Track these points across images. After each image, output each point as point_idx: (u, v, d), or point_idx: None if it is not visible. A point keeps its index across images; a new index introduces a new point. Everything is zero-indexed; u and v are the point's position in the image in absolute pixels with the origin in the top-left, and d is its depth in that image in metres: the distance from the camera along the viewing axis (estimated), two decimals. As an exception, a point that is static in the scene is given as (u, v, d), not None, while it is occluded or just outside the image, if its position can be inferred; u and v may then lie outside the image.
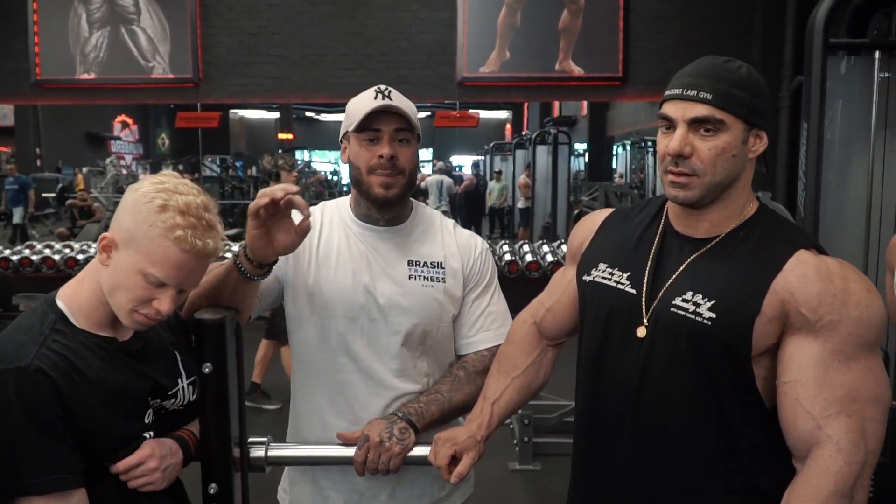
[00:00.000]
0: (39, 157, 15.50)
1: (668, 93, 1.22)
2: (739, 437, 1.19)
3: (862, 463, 1.10)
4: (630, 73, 7.26)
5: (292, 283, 1.52)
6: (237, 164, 17.26)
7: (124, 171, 15.45)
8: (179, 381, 1.33)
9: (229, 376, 1.29)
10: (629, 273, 1.29)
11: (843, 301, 1.12)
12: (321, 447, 1.50)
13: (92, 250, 6.79)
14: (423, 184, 11.90)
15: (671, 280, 1.24)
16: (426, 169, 17.42)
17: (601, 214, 1.45)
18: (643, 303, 1.25)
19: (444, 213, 1.79)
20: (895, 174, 3.12)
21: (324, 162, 23.35)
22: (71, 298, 1.25)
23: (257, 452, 1.39)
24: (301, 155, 20.68)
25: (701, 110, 1.17)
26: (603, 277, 1.32)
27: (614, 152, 17.29)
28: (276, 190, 1.25)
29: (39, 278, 6.72)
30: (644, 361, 1.24)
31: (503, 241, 7.62)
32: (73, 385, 1.16)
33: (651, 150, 12.48)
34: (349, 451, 1.41)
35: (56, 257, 6.77)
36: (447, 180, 12.63)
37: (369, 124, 1.46)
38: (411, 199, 1.60)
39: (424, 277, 1.52)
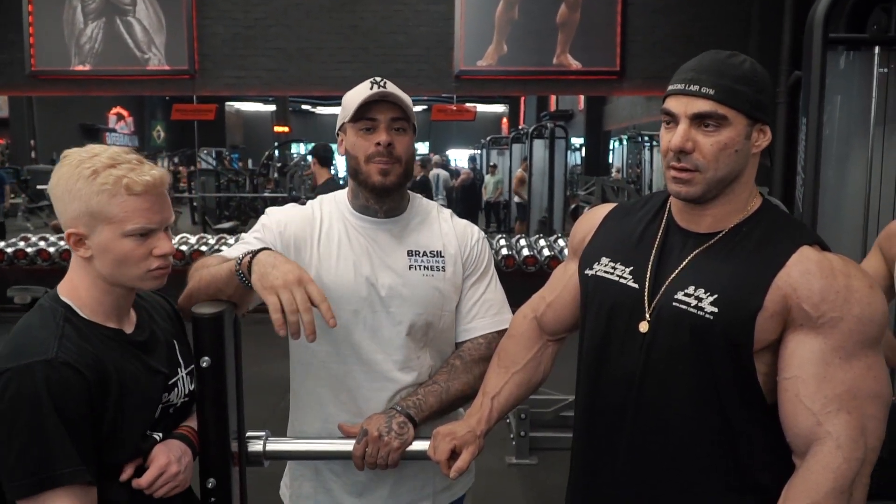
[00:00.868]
0: (34, 148, 15.45)
1: (670, 88, 1.21)
2: (740, 433, 1.19)
3: (861, 460, 1.09)
4: (628, 68, 7.27)
5: None
6: (233, 156, 17.23)
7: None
8: (179, 370, 1.33)
9: (227, 370, 1.28)
10: (632, 267, 1.29)
11: (845, 298, 1.11)
12: (320, 441, 1.50)
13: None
14: (419, 176, 11.89)
15: (674, 275, 1.23)
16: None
17: (604, 209, 1.44)
18: (645, 297, 1.25)
19: (441, 206, 1.78)
20: (894, 170, 3.12)
21: (320, 155, 23.27)
22: (72, 293, 1.24)
23: (256, 447, 1.38)
24: (297, 148, 20.64)
25: (703, 106, 1.16)
26: (605, 272, 1.32)
27: (611, 147, 17.30)
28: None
29: (34, 271, 6.70)
30: (646, 356, 1.23)
31: (500, 236, 7.62)
32: (97, 377, 1.16)
33: (648, 144, 12.48)
34: (348, 446, 1.41)
35: (51, 250, 6.75)
36: (444, 174, 12.63)
37: (365, 114, 1.47)
38: (408, 191, 1.60)
39: (424, 267, 1.53)
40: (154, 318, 1.35)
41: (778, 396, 1.16)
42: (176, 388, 1.31)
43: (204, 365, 1.27)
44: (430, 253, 1.54)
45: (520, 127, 16.55)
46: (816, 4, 2.95)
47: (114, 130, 18.87)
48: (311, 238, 1.51)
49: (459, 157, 22.09)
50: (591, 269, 1.34)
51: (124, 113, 19.53)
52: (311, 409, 1.55)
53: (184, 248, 6.87)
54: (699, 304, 1.18)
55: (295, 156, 18.21)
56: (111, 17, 7.28)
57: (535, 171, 10.34)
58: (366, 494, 1.54)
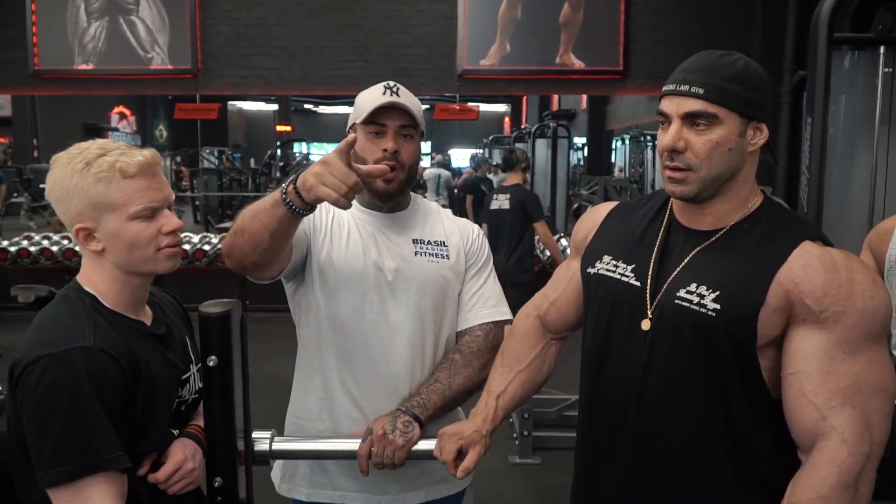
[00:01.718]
0: (37, 147, 15.45)
1: (664, 88, 1.23)
2: (744, 429, 1.19)
3: (866, 454, 1.09)
4: (631, 67, 7.26)
5: (310, 252, 1.56)
6: (235, 155, 17.23)
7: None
8: (191, 366, 1.34)
9: (234, 369, 1.28)
10: (633, 265, 1.29)
11: (848, 292, 1.11)
12: (326, 441, 1.50)
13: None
14: (421, 179, 11.89)
15: (675, 272, 1.24)
16: (424, 162, 17.41)
17: (605, 207, 1.45)
18: (647, 295, 1.25)
19: (443, 206, 1.83)
20: (898, 169, 3.12)
21: (322, 154, 23.30)
22: (93, 284, 1.25)
23: (262, 446, 1.39)
24: (299, 147, 20.64)
25: (694, 105, 1.17)
26: (607, 270, 1.32)
27: (613, 146, 17.28)
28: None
29: (37, 269, 6.71)
30: (648, 354, 1.23)
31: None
32: (130, 366, 1.17)
33: (650, 144, 12.48)
34: (353, 445, 1.41)
35: (54, 248, 6.75)
36: (445, 173, 12.61)
37: (376, 119, 1.52)
38: (410, 191, 1.65)
39: (430, 254, 1.59)
40: (167, 314, 1.36)
41: (782, 392, 1.16)
42: (188, 384, 1.32)
43: (211, 364, 1.27)
44: (435, 242, 1.61)
45: (522, 126, 16.53)
46: (821, 4, 2.94)
47: (116, 129, 18.87)
48: (324, 221, 1.57)
49: (462, 158, 22.06)
50: (593, 267, 1.35)
51: (127, 112, 19.53)
52: (314, 392, 1.57)
53: (186, 247, 6.87)
54: (701, 302, 1.18)
55: (297, 155, 18.22)
56: (114, 16, 7.28)
57: (538, 170, 10.33)
58: (360, 478, 1.53)
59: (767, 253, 1.17)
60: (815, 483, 1.09)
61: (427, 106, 16.76)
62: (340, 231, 1.57)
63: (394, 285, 1.54)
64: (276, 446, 1.40)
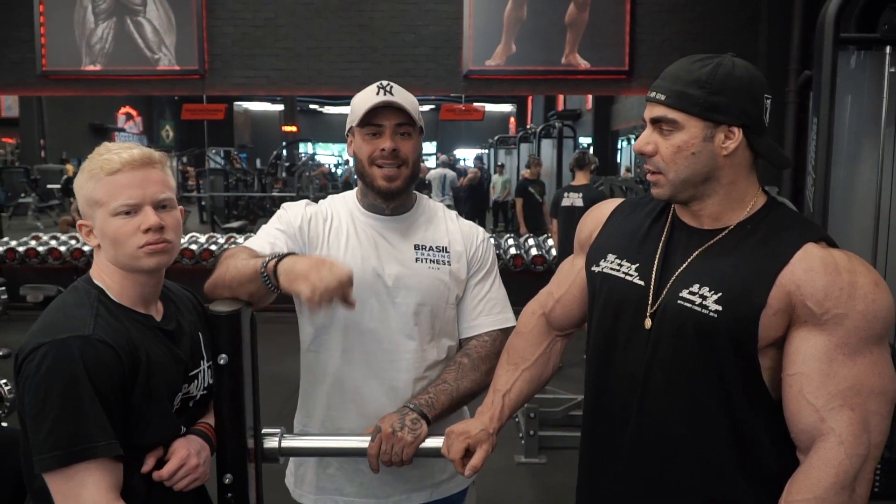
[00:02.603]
0: (44, 148, 15.51)
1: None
2: (745, 426, 1.20)
3: (864, 456, 1.10)
4: (636, 67, 7.25)
5: None
6: (241, 156, 17.26)
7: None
8: (202, 362, 1.36)
9: (244, 367, 1.30)
10: (637, 265, 1.30)
11: (849, 294, 1.12)
12: (334, 438, 1.52)
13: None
14: (426, 178, 11.89)
15: (678, 272, 1.25)
16: (429, 162, 17.40)
17: (610, 205, 1.46)
18: (651, 295, 1.26)
19: (448, 206, 1.83)
20: (904, 170, 3.11)
21: (327, 154, 23.34)
22: (102, 278, 1.27)
23: (271, 443, 1.40)
24: (305, 147, 20.67)
25: (656, 111, 1.21)
26: (612, 269, 1.33)
27: (619, 146, 17.24)
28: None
29: (45, 269, 6.74)
30: (651, 353, 1.25)
31: (508, 235, 7.62)
32: (129, 356, 1.19)
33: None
34: (362, 443, 1.42)
35: (62, 248, 6.79)
36: (450, 174, 12.59)
37: (371, 119, 1.52)
38: (415, 191, 1.65)
39: (430, 260, 1.58)
40: (181, 310, 1.38)
41: (782, 392, 1.17)
42: (197, 380, 1.33)
43: (221, 362, 1.29)
44: (436, 248, 1.59)
45: (527, 126, 16.51)
46: (827, 4, 2.94)
47: (123, 130, 18.93)
48: (322, 233, 1.56)
49: (467, 157, 22.05)
50: (598, 265, 1.36)
51: (133, 112, 19.59)
52: (319, 398, 1.58)
53: (193, 247, 6.91)
54: (704, 303, 1.19)
55: (303, 155, 18.24)
56: (122, 17, 7.31)
57: (543, 171, 10.32)
58: (364, 482, 1.56)
59: (770, 255, 1.18)
60: (812, 484, 1.10)
61: (432, 106, 16.78)
62: (339, 240, 1.56)
63: (394, 291, 1.53)
64: (286, 444, 1.42)
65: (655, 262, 1.28)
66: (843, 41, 3.03)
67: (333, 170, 19.01)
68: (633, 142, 15.31)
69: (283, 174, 13.72)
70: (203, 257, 6.80)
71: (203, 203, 12.71)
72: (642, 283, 1.28)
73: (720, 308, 1.17)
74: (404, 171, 1.53)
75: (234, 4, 7.36)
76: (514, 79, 7.56)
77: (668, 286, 1.24)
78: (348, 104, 1.59)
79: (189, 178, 14.74)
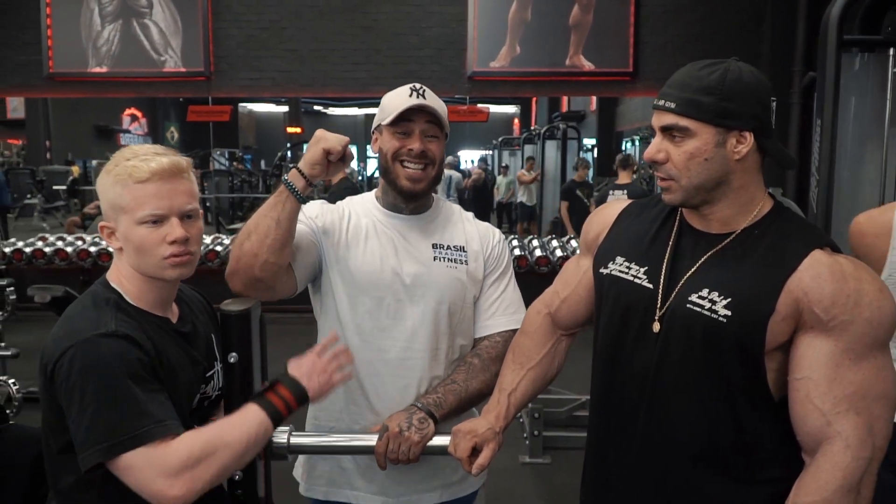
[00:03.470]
0: (49, 149, 15.56)
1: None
2: (748, 427, 1.22)
3: (869, 459, 1.13)
4: (641, 68, 7.25)
5: (325, 258, 1.58)
6: (246, 157, 17.28)
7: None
8: (216, 364, 1.37)
9: (254, 366, 1.32)
10: (646, 268, 1.31)
11: (855, 301, 1.14)
12: (342, 436, 1.53)
13: (104, 242, 6.83)
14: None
15: (687, 276, 1.26)
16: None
17: (616, 206, 1.47)
18: (659, 298, 1.27)
19: None
20: (908, 171, 3.11)
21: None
22: (119, 282, 1.28)
23: (280, 440, 1.41)
24: (309, 149, 20.58)
25: (667, 119, 1.22)
26: (620, 271, 1.34)
27: (623, 148, 17.22)
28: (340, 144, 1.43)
29: (52, 270, 6.77)
30: (659, 356, 1.26)
31: (512, 236, 7.62)
32: (154, 353, 1.20)
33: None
34: (370, 441, 1.44)
35: (69, 249, 6.81)
36: (456, 175, 12.60)
37: (402, 120, 1.54)
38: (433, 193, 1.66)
39: (448, 259, 1.59)
40: (194, 312, 1.39)
41: (789, 396, 1.18)
42: (212, 381, 1.35)
43: (231, 361, 1.30)
44: (454, 247, 1.61)
45: (531, 128, 16.50)
46: (831, 6, 2.95)
47: (128, 131, 18.96)
48: (339, 230, 1.59)
49: (470, 159, 22.03)
50: (606, 267, 1.37)
51: (138, 114, 19.62)
52: (333, 396, 1.57)
53: (199, 247, 6.91)
54: (713, 308, 1.20)
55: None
56: (128, 19, 7.34)
57: (547, 172, 10.32)
58: (377, 479, 1.57)
59: (778, 261, 1.19)
60: (819, 486, 1.12)
61: (437, 107, 16.73)
62: (358, 238, 1.58)
63: (411, 290, 1.55)
64: (294, 441, 1.43)
65: (664, 266, 1.29)
66: (847, 43, 3.04)
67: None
68: (637, 143, 15.33)
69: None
70: (208, 258, 6.81)
71: (208, 204, 12.74)
72: (651, 286, 1.29)
73: (729, 313, 1.19)
74: (430, 171, 1.56)
75: (240, 7, 7.38)
76: (519, 80, 7.56)
77: (676, 290, 1.26)
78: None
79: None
